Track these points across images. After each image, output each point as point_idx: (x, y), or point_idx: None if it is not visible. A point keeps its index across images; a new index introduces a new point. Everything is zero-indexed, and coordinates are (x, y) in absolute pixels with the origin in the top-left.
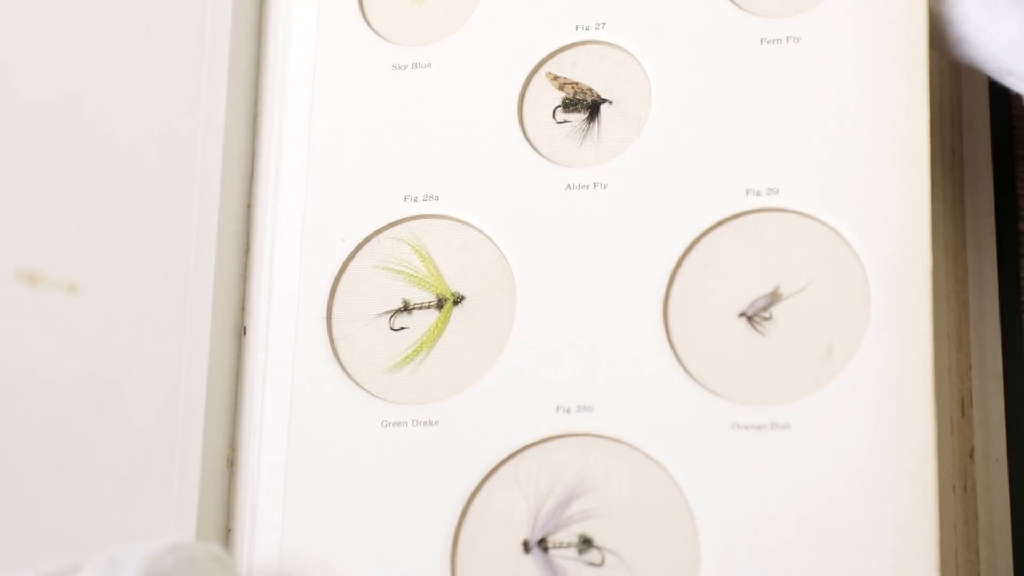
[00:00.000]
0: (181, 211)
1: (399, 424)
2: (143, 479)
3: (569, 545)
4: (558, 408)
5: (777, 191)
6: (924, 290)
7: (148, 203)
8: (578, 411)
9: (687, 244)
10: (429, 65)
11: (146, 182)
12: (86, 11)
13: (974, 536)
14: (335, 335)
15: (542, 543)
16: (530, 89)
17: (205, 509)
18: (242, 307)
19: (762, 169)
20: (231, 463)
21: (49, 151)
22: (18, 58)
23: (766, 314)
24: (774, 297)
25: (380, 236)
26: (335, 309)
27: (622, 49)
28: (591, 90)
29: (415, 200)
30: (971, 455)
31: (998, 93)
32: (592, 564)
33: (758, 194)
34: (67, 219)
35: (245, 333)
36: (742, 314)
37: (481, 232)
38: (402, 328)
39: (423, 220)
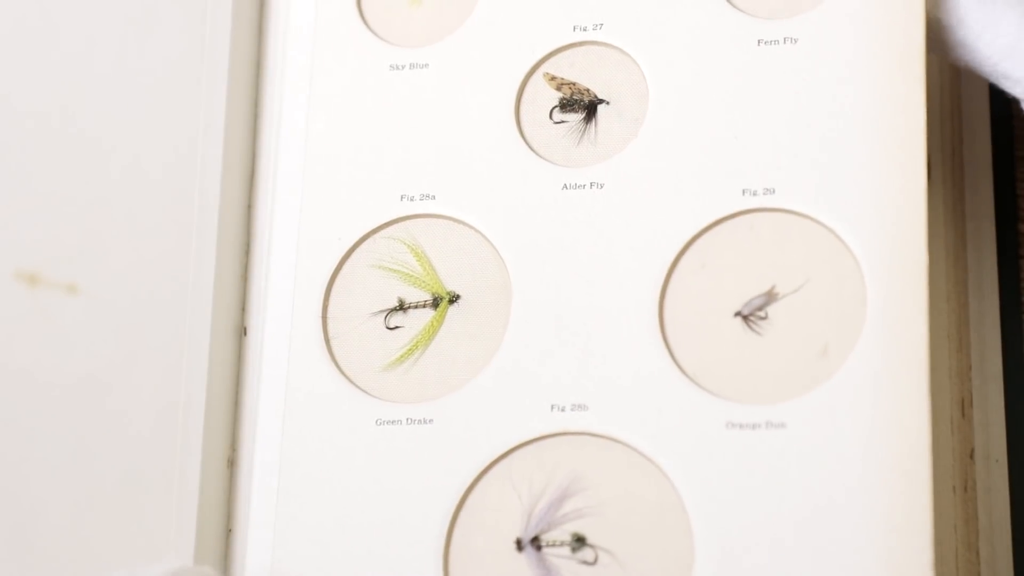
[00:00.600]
0: (181, 212)
1: (393, 422)
2: (143, 480)
3: (562, 544)
4: (552, 407)
5: (774, 191)
6: (920, 289)
7: (148, 204)
8: (572, 410)
9: (683, 244)
10: (427, 66)
11: (146, 183)
12: (86, 11)
13: (974, 537)
14: (330, 334)
15: (535, 541)
16: (527, 90)
17: (205, 510)
18: (242, 307)
19: (759, 169)
20: (231, 463)
21: (49, 152)
22: (17, 59)
23: (762, 313)
24: (770, 296)
25: (376, 235)
26: (331, 308)
27: (619, 50)
28: (588, 90)
29: (411, 199)
30: (971, 456)
31: (998, 94)
32: (585, 562)
33: (755, 194)
34: (67, 220)
35: (245, 333)
36: (738, 313)
37: (477, 231)
38: (397, 327)
39: (419, 219)
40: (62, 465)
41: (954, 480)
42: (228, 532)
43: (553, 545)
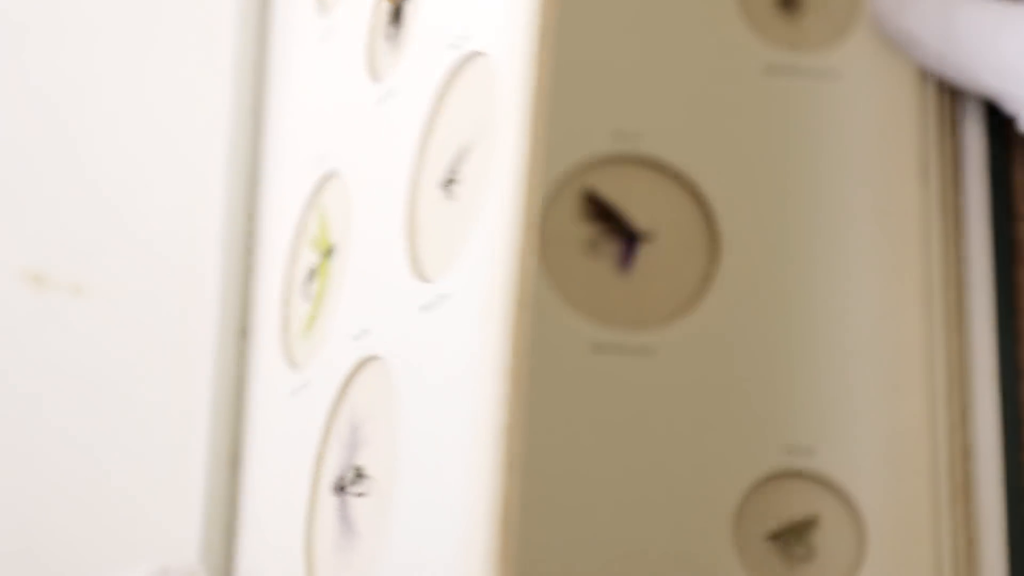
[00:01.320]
0: (186, 212)
1: (293, 392)
2: (147, 480)
3: (351, 480)
4: (351, 337)
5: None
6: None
7: (153, 205)
8: (363, 336)
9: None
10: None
11: (150, 183)
12: (88, 11)
13: (972, 537)
14: (286, 320)
15: (338, 484)
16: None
17: (209, 510)
18: (245, 309)
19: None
20: (234, 464)
21: (52, 152)
22: (20, 58)
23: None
24: (460, 157)
25: (309, 213)
26: (291, 296)
27: None
28: None
29: (322, 167)
30: (969, 456)
31: None
32: (362, 495)
33: (458, 48)
34: (72, 221)
35: (247, 335)
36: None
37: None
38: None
39: (327, 184)
40: (67, 465)
41: (952, 480)
42: (231, 532)
43: (347, 484)
